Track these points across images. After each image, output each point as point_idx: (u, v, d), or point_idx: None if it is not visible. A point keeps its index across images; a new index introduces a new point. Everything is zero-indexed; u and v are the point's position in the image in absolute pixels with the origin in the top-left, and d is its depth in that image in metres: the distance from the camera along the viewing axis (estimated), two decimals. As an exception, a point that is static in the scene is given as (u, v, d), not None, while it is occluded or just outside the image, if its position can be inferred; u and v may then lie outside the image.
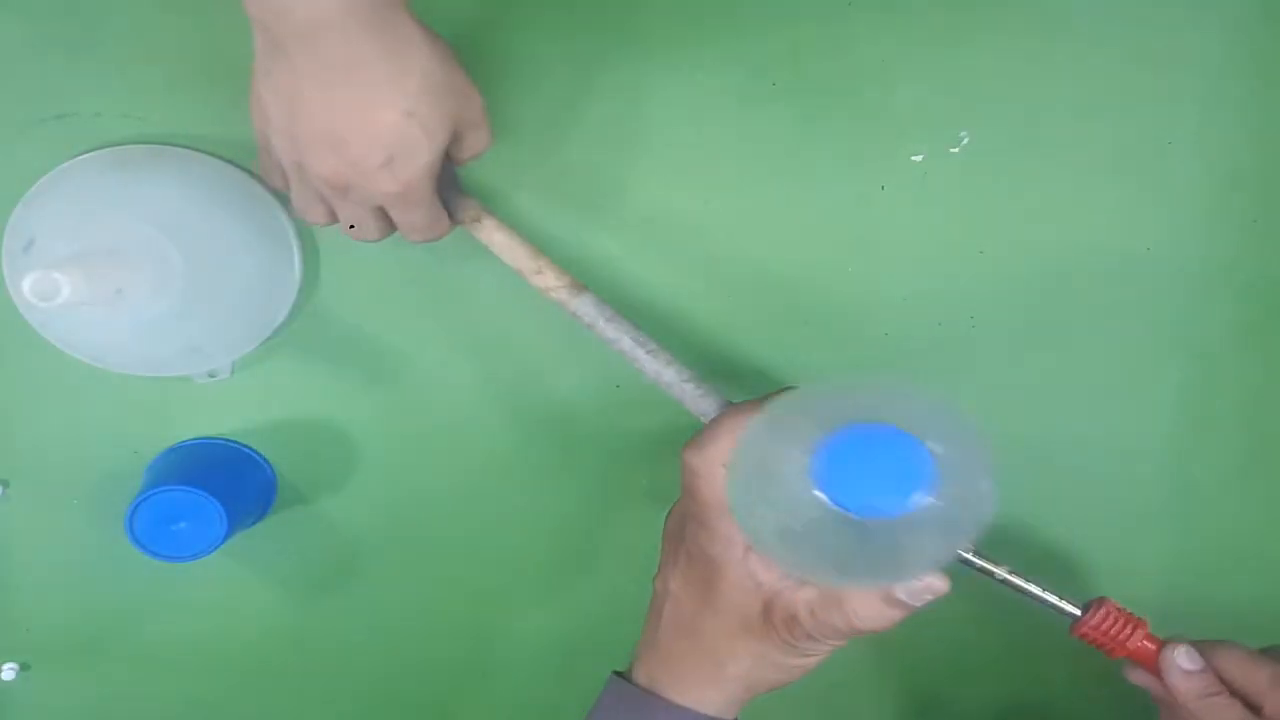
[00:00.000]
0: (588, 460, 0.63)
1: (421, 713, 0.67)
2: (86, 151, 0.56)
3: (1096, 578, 0.65)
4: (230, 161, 0.57)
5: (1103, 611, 0.52)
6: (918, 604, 0.48)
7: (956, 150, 0.58)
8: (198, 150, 0.56)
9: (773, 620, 0.50)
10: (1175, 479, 0.64)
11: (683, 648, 0.52)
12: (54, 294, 0.46)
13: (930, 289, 0.60)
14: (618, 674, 0.54)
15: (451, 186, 0.55)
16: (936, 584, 0.48)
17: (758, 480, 0.46)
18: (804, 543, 0.45)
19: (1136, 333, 0.61)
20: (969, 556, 0.51)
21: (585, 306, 0.55)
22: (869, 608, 0.48)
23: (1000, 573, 0.51)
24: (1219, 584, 0.65)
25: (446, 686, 0.66)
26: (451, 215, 0.55)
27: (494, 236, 0.55)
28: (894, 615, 0.49)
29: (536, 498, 0.63)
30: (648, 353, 0.55)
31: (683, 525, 0.53)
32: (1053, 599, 0.52)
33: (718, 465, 0.49)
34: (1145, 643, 0.52)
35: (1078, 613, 0.52)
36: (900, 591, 0.48)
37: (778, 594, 0.50)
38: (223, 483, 0.57)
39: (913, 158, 0.59)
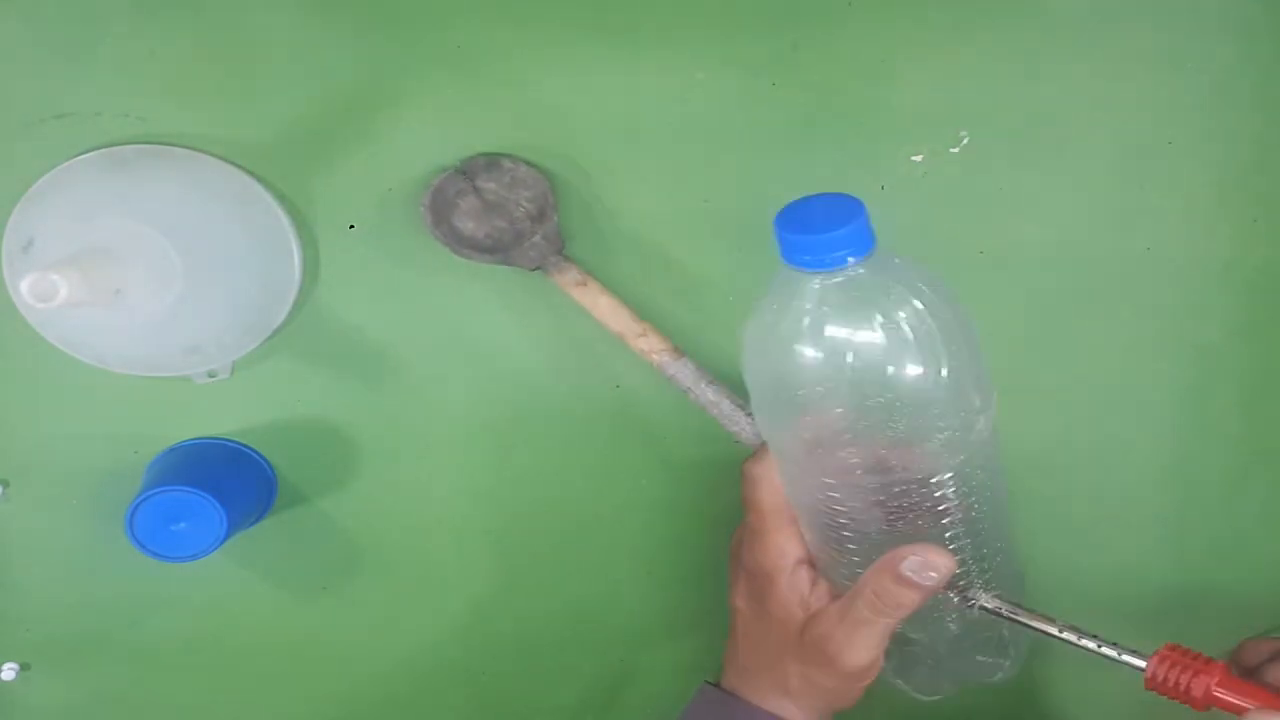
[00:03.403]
0: (588, 460, 0.63)
1: (421, 712, 0.67)
2: (86, 151, 0.56)
3: (1096, 578, 0.65)
4: (230, 161, 0.57)
5: (1156, 658, 0.47)
6: (926, 583, 0.48)
7: (956, 150, 0.58)
8: (198, 150, 0.56)
9: (804, 639, 0.51)
10: (1175, 479, 0.64)
11: (754, 662, 0.54)
12: (51, 295, 0.46)
13: (930, 289, 0.60)
14: (708, 683, 0.56)
15: (553, 249, 0.56)
16: (939, 561, 0.48)
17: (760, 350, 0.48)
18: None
19: (1136, 333, 0.61)
20: (1020, 617, 0.50)
21: (685, 371, 0.56)
22: (883, 587, 0.49)
23: (1052, 630, 0.49)
24: (1219, 584, 0.65)
25: (446, 686, 0.66)
26: (553, 277, 0.56)
27: (598, 301, 0.56)
28: (909, 595, 0.48)
29: (536, 497, 0.63)
30: (747, 415, 0.55)
31: (741, 544, 0.55)
32: (1112, 653, 0.48)
33: (774, 472, 0.51)
34: (1223, 691, 0.46)
35: (1142, 665, 0.47)
36: (904, 568, 0.48)
37: (814, 616, 0.51)
38: (223, 483, 0.57)
39: (913, 158, 0.59)
